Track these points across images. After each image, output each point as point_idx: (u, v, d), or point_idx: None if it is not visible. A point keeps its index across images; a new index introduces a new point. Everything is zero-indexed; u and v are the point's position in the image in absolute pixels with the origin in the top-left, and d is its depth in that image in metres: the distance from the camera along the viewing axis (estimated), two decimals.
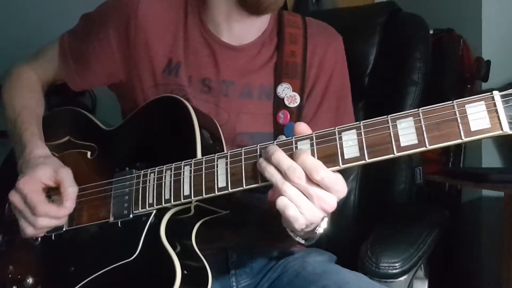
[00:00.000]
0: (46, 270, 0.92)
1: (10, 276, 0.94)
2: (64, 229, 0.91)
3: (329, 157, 0.67)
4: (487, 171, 1.60)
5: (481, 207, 1.93)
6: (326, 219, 0.75)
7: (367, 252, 0.91)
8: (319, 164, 0.67)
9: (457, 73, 1.97)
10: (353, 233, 1.21)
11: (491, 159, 1.86)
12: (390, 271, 0.88)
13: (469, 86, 1.99)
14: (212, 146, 0.87)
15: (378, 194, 1.24)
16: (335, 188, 0.68)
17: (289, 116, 0.99)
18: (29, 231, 0.89)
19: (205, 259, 0.83)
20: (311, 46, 1.04)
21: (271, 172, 0.69)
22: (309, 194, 0.68)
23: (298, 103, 1.00)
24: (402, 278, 0.88)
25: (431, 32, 1.46)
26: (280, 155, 0.68)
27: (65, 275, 0.88)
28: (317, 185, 0.68)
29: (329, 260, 1.02)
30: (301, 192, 0.68)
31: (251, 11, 0.96)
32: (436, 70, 1.84)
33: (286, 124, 0.99)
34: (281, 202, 0.69)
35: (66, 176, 0.89)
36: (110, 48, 1.01)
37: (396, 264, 0.88)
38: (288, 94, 1.00)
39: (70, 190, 0.88)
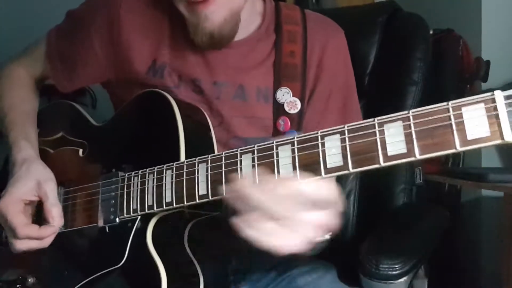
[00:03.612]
0: (44, 271, 0.92)
1: (14, 274, 0.94)
2: (60, 230, 0.90)
3: (310, 166, 0.62)
4: (487, 171, 1.60)
5: (480, 207, 1.93)
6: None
7: (366, 253, 0.90)
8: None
9: (456, 73, 1.97)
10: (353, 233, 1.21)
11: (491, 159, 1.86)
12: (390, 272, 0.87)
13: (468, 86, 1.99)
14: (200, 142, 0.84)
15: (378, 194, 1.24)
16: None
17: (289, 123, 0.94)
18: (14, 250, 0.88)
19: (203, 265, 0.82)
20: (310, 44, 0.97)
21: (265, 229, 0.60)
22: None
23: (298, 109, 0.94)
24: (402, 280, 0.88)
25: (430, 32, 1.46)
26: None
27: (61, 278, 0.88)
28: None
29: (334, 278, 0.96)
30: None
31: (207, 49, 0.92)
32: (436, 70, 1.85)
33: (286, 131, 0.93)
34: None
35: (49, 192, 0.87)
36: (93, 49, 0.98)
37: (396, 266, 0.88)
38: (288, 99, 0.94)
39: (54, 209, 0.87)
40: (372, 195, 1.25)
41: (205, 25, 0.84)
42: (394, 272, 0.87)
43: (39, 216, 0.90)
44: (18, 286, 0.93)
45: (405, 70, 1.26)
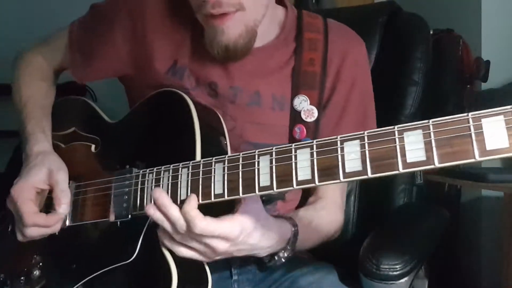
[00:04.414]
0: (50, 265, 0.93)
1: (19, 267, 0.94)
2: (67, 225, 0.91)
3: (328, 170, 0.63)
4: (487, 171, 1.60)
5: (480, 207, 1.93)
6: (283, 253, 0.84)
7: (367, 254, 0.90)
8: (198, 217, 0.72)
9: (456, 73, 1.97)
10: (354, 233, 1.21)
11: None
12: (391, 273, 0.87)
13: (468, 86, 1.99)
14: (215, 143, 0.85)
15: (378, 194, 1.24)
16: (217, 235, 0.73)
17: (305, 131, 0.94)
18: (19, 237, 0.89)
19: (207, 263, 0.82)
20: (330, 53, 0.98)
21: (161, 220, 0.75)
22: (196, 240, 0.74)
23: (315, 117, 0.94)
24: (403, 280, 0.87)
25: (430, 32, 1.46)
26: (168, 208, 0.74)
27: (68, 272, 0.88)
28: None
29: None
30: (190, 238, 0.74)
31: (223, 61, 0.93)
32: (436, 70, 1.85)
33: (301, 139, 0.93)
34: (179, 249, 0.76)
35: (60, 180, 0.89)
36: (115, 43, 0.99)
37: (397, 266, 0.87)
38: (305, 107, 0.94)
39: (62, 197, 0.88)
40: (373, 195, 1.25)
41: (221, 39, 0.87)
42: (395, 273, 0.87)
43: (48, 206, 0.91)
44: (22, 278, 0.93)
45: (406, 70, 1.26)
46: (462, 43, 1.98)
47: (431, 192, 1.85)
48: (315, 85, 0.96)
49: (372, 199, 1.25)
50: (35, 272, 0.92)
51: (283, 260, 0.86)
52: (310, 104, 0.95)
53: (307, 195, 1.03)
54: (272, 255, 0.86)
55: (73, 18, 1.08)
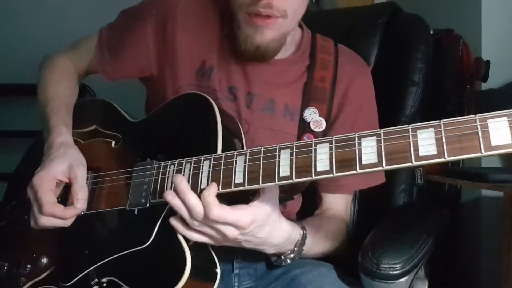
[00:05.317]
0: (61, 251, 0.94)
1: (26, 254, 0.96)
2: (82, 213, 0.92)
3: (346, 162, 0.68)
4: (487, 171, 1.61)
5: (480, 207, 1.93)
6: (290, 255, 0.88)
7: (367, 253, 0.90)
8: (214, 203, 0.75)
9: (456, 73, 1.97)
10: (353, 233, 1.21)
11: (490, 159, 1.86)
12: (391, 272, 0.87)
13: (468, 86, 1.99)
14: (233, 145, 0.89)
15: (378, 194, 1.24)
16: (230, 222, 0.76)
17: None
18: (33, 224, 0.91)
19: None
20: (339, 74, 1.07)
21: (178, 206, 0.78)
22: (210, 226, 0.78)
23: (323, 128, 1.02)
24: (403, 279, 0.88)
25: (430, 32, 1.46)
26: (186, 194, 0.76)
27: (78, 258, 0.90)
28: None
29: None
30: (204, 224, 0.78)
31: (249, 59, 1.00)
32: (436, 70, 1.85)
33: None
34: (192, 235, 0.79)
35: (79, 176, 0.91)
36: (145, 43, 1.04)
37: (397, 266, 0.88)
38: (314, 118, 1.02)
39: (81, 192, 0.91)
40: (373, 195, 1.25)
41: (257, 37, 0.94)
42: (395, 272, 0.88)
43: (64, 198, 0.93)
44: (28, 266, 0.94)
45: (406, 71, 1.26)
46: (462, 43, 1.98)
47: (431, 192, 1.86)
48: (325, 100, 1.04)
49: (372, 199, 1.25)
50: (42, 259, 0.94)
51: (289, 261, 0.90)
52: (319, 116, 1.03)
53: (307, 203, 1.08)
54: (279, 255, 0.89)
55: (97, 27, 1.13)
